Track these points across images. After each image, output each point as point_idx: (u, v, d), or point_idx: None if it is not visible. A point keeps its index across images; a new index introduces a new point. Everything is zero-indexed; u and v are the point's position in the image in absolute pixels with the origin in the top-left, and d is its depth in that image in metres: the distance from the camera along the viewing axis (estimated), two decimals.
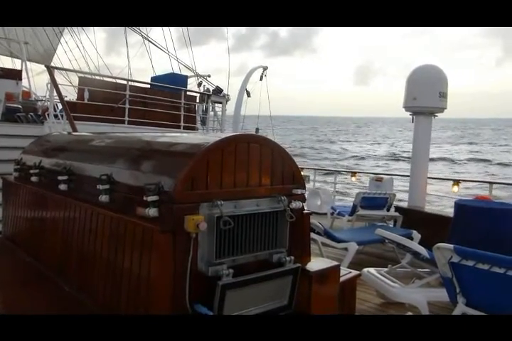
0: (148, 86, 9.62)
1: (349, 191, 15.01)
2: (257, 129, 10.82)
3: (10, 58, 12.91)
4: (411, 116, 7.18)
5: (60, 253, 2.76)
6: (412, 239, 5.12)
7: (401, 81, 7.35)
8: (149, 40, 13.10)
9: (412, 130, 7.42)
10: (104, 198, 2.32)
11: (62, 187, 2.81)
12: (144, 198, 1.93)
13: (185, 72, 12.23)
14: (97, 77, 9.63)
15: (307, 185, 6.93)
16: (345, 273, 2.87)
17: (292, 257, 2.25)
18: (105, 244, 2.28)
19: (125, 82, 8.56)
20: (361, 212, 7.02)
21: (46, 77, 7.30)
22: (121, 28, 13.26)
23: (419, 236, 5.65)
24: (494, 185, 7.94)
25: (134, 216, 2.07)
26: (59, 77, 7.93)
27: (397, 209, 7.21)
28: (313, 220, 4.80)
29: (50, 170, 3.17)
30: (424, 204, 7.25)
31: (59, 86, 6.98)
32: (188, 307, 1.90)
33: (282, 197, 2.23)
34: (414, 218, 6.73)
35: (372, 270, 4.15)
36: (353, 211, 7.17)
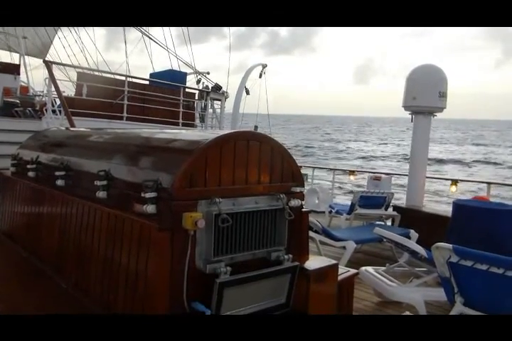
0: (147, 82, 9.59)
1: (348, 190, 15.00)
2: (256, 127, 10.79)
3: (7, 52, 12.85)
4: (410, 116, 7.18)
5: (57, 249, 2.74)
6: (409, 238, 5.12)
7: (401, 80, 7.34)
8: (149, 37, 13.07)
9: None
10: (101, 194, 2.30)
11: (60, 182, 2.79)
12: (142, 195, 1.92)
13: (184, 69, 12.21)
14: (96, 73, 9.58)
15: (305, 184, 6.93)
16: (343, 271, 2.86)
17: (290, 255, 2.24)
18: (102, 240, 2.26)
19: (124, 78, 8.53)
20: (359, 210, 7.03)
21: (44, 71, 7.27)
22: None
23: (417, 235, 5.65)
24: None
25: (131, 212, 2.06)
26: (57, 72, 7.90)
27: (395, 208, 7.22)
28: (312, 218, 4.79)
29: (47, 165, 3.15)
30: (422, 204, 7.26)
31: (57, 81, 6.95)
32: (186, 305, 1.89)
33: (281, 195, 2.22)
34: (412, 217, 6.73)
35: (370, 269, 4.15)
36: (351, 210, 7.18)
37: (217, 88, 11.06)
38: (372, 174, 9.11)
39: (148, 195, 1.91)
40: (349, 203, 7.55)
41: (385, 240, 4.77)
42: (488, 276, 2.67)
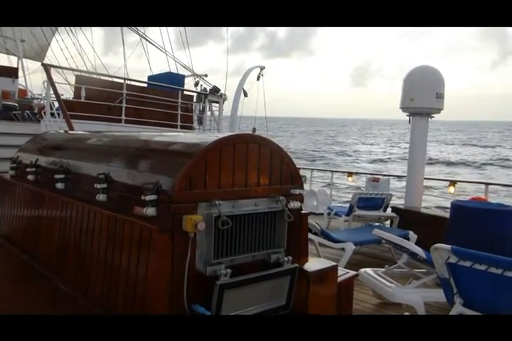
0: (146, 85, 9.59)
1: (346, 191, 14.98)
2: (254, 129, 10.81)
3: (5, 55, 12.85)
4: (408, 117, 7.19)
5: (57, 251, 2.74)
6: (408, 239, 5.12)
7: (398, 82, 7.34)
8: (147, 39, 13.07)
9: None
10: (101, 197, 2.30)
11: (59, 185, 2.79)
12: (142, 197, 1.92)
13: (182, 72, 12.21)
14: (94, 76, 9.59)
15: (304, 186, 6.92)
16: (343, 273, 2.87)
17: (290, 257, 2.25)
18: (102, 243, 2.26)
19: (122, 81, 8.53)
20: (358, 212, 7.03)
21: (42, 74, 7.27)
22: (119, 27, 13.22)
23: (416, 236, 5.66)
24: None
25: (131, 215, 2.06)
26: (55, 76, 7.91)
27: (394, 209, 7.23)
28: (310, 220, 4.79)
29: (46, 168, 3.15)
30: (420, 205, 7.27)
31: (55, 84, 6.95)
32: (186, 307, 1.90)
33: (280, 197, 2.23)
34: (410, 218, 6.74)
35: (369, 270, 4.15)
36: (349, 211, 7.18)
37: (215, 90, 11.07)
38: (370, 175, 9.12)
39: (148, 198, 1.91)
40: (347, 205, 7.56)
41: (383, 241, 4.78)
42: (487, 276, 2.68)
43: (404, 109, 7.13)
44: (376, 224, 7.16)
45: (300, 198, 2.37)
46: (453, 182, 8.09)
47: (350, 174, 10.42)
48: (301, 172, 10.14)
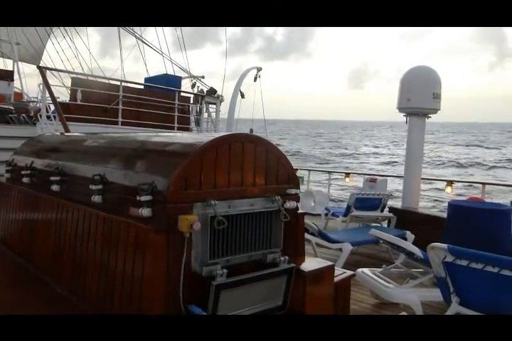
0: (142, 87, 9.58)
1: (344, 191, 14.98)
2: (251, 130, 10.80)
3: (0, 59, 12.82)
4: (404, 117, 7.21)
5: (52, 254, 2.73)
6: (405, 239, 5.13)
7: (395, 84, 7.35)
8: (143, 41, 13.07)
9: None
10: (97, 198, 2.30)
11: (55, 187, 2.78)
12: (138, 198, 1.91)
13: (179, 74, 12.21)
14: (91, 78, 9.58)
15: (301, 186, 6.92)
16: (340, 273, 2.87)
17: (286, 257, 2.24)
18: (98, 244, 2.26)
19: (118, 83, 8.52)
20: (355, 212, 7.03)
21: (38, 77, 7.26)
22: (116, 30, 13.22)
23: (413, 236, 5.67)
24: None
25: (127, 216, 2.05)
26: (51, 78, 7.89)
27: (391, 209, 7.24)
28: (308, 221, 4.80)
29: (42, 170, 3.14)
30: (417, 205, 7.28)
31: (51, 87, 6.94)
32: (182, 307, 1.89)
33: (276, 197, 2.22)
34: (407, 219, 6.75)
35: (366, 270, 4.16)
36: (347, 212, 7.18)
37: (212, 92, 11.07)
38: (367, 176, 9.13)
39: (143, 198, 1.91)
40: (345, 205, 7.56)
41: (381, 241, 4.78)
42: (484, 275, 2.68)
43: (401, 109, 7.14)
44: (374, 224, 7.17)
45: (296, 198, 2.37)
46: (450, 183, 8.12)
47: (347, 174, 10.43)
48: (298, 174, 10.16)
